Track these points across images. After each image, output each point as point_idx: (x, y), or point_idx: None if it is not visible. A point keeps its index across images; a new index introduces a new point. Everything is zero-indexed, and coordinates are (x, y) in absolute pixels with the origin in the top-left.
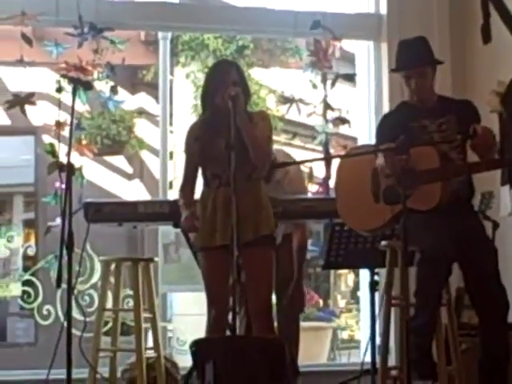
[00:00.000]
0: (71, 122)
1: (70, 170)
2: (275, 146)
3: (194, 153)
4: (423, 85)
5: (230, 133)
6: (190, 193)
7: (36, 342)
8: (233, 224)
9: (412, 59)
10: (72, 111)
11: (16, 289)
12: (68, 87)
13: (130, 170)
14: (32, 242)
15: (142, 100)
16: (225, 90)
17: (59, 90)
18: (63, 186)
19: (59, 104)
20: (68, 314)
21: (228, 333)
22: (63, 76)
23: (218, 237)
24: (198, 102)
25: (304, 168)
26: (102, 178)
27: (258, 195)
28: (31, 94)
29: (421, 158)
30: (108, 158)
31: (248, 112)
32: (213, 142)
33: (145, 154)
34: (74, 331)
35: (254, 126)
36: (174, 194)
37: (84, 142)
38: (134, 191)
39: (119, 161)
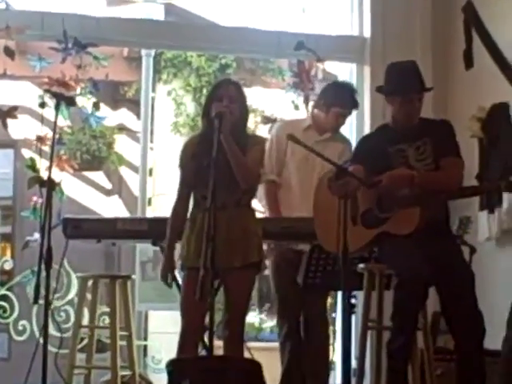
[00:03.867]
0: (53, 137)
1: (50, 185)
2: None
3: (189, 170)
4: (410, 111)
5: (212, 152)
6: (181, 217)
7: (9, 357)
8: (206, 243)
9: (401, 86)
10: (54, 126)
11: None
12: (50, 102)
13: (108, 185)
14: (8, 256)
15: (123, 116)
16: (220, 104)
17: (42, 105)
18: (41, 200)
19: (42, 119)
20: (45, 330)
21: (203, 352)
22: (46, 91)
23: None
24: (178, 119)
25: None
26: (81, 193)
27: (247, 222)
28: (14, 108)
29: (400, 182)
30: (87, 174)
31: (246, 134)
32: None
33: (124, 171)
34: (49, 347)
35: (249, 148)
36: (152, 211)
37: (64, 157)
38: (112, 207)
39: (98, 176)
